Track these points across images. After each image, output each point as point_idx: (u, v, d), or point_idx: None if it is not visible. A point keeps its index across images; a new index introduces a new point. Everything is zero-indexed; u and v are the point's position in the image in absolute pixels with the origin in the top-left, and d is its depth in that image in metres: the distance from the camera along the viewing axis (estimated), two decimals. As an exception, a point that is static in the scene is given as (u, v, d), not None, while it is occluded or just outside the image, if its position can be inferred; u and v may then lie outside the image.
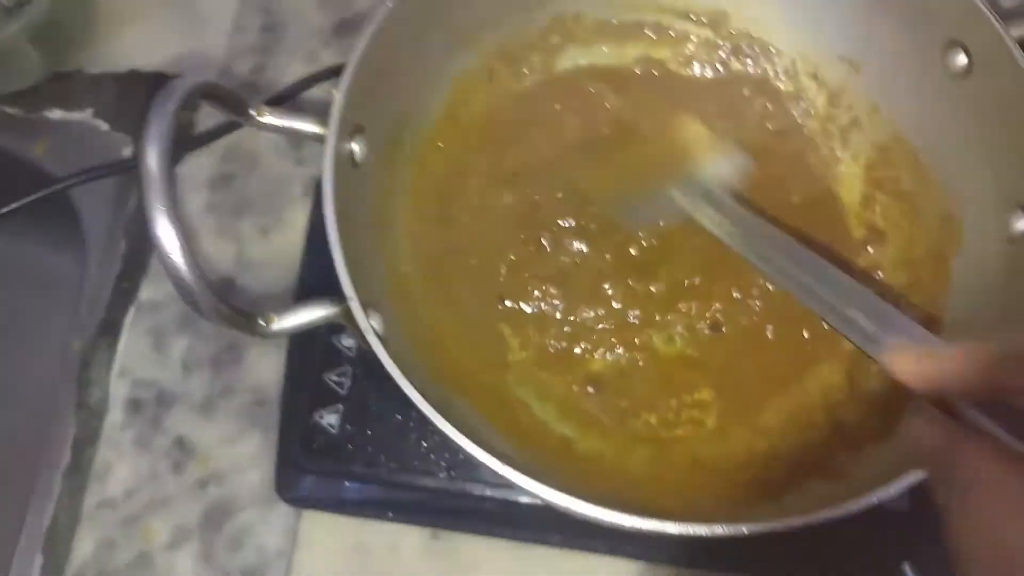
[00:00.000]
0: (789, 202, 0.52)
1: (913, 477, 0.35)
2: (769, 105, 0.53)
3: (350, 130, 0.42)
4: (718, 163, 0.47)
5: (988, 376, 0.26)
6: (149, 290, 0.58)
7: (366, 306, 0.39)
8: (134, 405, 0.56)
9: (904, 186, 0.50)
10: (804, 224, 0.51)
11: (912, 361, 0.29)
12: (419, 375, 0.40)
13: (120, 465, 0.54)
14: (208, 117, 0.61)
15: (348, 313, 0.38)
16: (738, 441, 0.48)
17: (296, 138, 0.41)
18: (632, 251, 0.51)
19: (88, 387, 0.56)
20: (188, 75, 0.36)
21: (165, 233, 0.34)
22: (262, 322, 0.37)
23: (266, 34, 0.64)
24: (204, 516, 0.53)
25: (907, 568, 0.44)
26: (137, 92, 0.61)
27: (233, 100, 0.38)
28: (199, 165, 0.60)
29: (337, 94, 0.40)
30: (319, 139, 0.40)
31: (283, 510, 0.53)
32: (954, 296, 0.46)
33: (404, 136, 0.48)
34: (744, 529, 0.36)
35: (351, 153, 0.42)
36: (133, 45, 0.65)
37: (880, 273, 0.50)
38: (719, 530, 0.36)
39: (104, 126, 0.62)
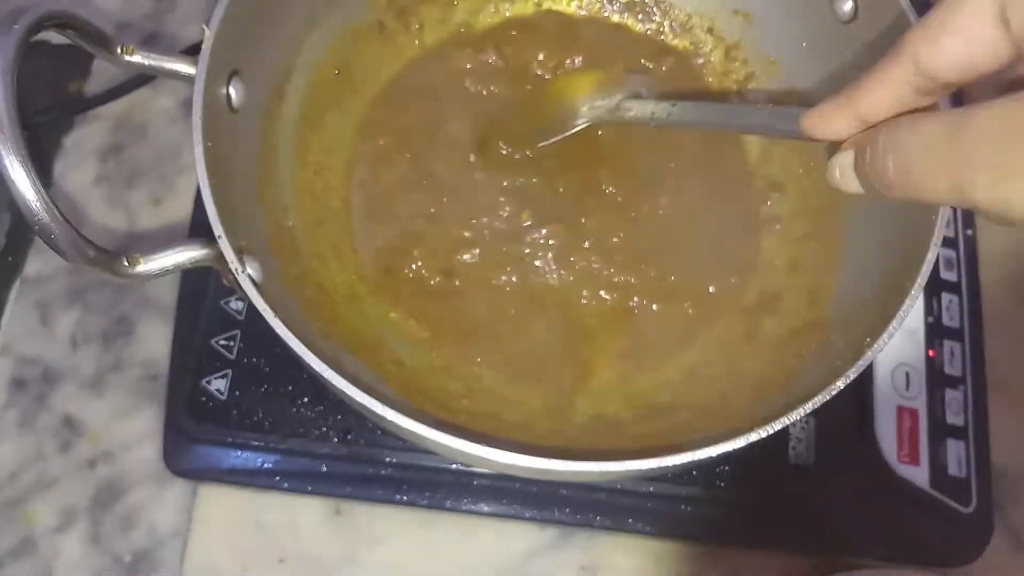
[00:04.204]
0: (690, 159, 0.51)
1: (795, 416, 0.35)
2: (666, 64, 0.53)
3: (226, 73, 0.40)
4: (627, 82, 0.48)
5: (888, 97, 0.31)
6: (36, 263, 0.55)
7: (241, 251, 0.37)
8: (17, 383, 0.53)
9: (801, 138, 0.50)
10: (705, 182, 0.51)
11: (821, 117, 0.34)
12: (305, 330, 0.38)
13: (2, 447, 0.52)
14: (96, 83, 0.59)
15: (220, 257, 0.37)
16: (640, 395, 0.47)
17: (174, 83, 0.39)
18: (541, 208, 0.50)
19: (-32, 366, 0.53)
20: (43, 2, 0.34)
21: (12, 163, 0.32)
22: (126, 262, 0.35)
23: (161, 2, 0.62)
24: (93, 497, 0.51)
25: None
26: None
27: (95, 34, 0.36)
28: (88, 135, 0.58)
29: (208, 30, 0.38)
30: (190, 80, 0.38)
31: (177, 488, 0.51)
32: (848, 243, 0.46)
33: (288, 89, 0.46)
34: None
35: (227, 97, 0.41)
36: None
37: (778, 225, 0.50)
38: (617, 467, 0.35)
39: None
